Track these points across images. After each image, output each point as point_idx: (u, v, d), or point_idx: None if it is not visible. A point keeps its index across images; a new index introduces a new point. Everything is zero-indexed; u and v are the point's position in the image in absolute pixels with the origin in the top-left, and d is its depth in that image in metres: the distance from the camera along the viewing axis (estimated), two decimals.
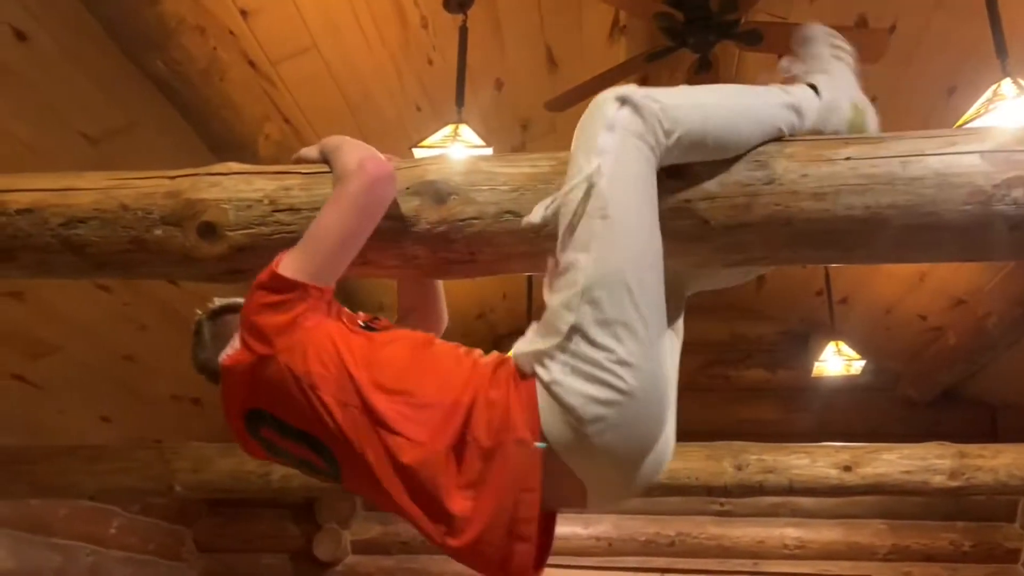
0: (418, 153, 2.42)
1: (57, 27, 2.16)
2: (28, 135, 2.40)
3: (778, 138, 1.28)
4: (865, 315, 4.50)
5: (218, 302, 1.43)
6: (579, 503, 1.23)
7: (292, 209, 1.36)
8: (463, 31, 2.67)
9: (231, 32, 2.41)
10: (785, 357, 5.08)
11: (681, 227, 1.25)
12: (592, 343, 1.12)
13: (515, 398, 1.17)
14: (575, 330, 1.13)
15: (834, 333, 4.12)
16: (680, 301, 1.45)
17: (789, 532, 4.71)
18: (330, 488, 3.90)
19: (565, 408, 1.13)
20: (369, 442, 1.20)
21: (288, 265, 1.25)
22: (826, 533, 4.70)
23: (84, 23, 2.09)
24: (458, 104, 2.60)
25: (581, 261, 1.14)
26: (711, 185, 1.24)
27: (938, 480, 3.21)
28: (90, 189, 1.41)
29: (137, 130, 2.55)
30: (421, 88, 3.09)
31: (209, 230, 1.36)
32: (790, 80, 1.41)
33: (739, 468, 3.31)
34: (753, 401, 5.02)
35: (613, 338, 1.12)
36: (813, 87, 1.37)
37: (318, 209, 1.36)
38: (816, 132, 1.33)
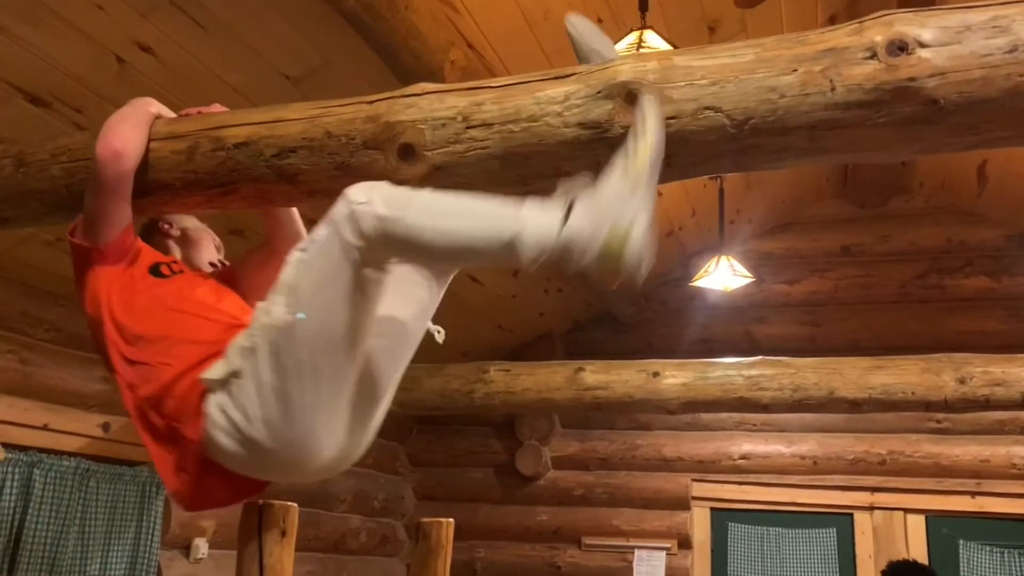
0: None
1: None
2: (236, 80, 2.55)
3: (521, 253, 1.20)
4: None
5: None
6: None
7: (485, 125, 1.36)
8: None
9: None
10: (1011, 263, 4.62)
11: (904, 111, 1.13)
12: (247, 390, 1.31)
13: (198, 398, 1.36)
14: (235, 375, 1.32)
15: None
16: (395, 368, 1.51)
17: (1018, 451, 4.34)
18: (530, 406, 4.02)
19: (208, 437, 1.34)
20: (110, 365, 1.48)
21: (77, 229, 1.53)
22: None
23: None
24: (641, 9, 2.50)
25: (259, 320, 1.32)
26: (939, 60, 1.11)
27: None
28: (297, 119, 1.48)
29: (333, 67, 2.64)
30: None
31: (409, 152, 1.39)
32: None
33: (961, 381, 3.08)
34: (974, 312, 4.62)
35: (263, 399, 1.30)
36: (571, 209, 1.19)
37: (511, 123, 1.35)
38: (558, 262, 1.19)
